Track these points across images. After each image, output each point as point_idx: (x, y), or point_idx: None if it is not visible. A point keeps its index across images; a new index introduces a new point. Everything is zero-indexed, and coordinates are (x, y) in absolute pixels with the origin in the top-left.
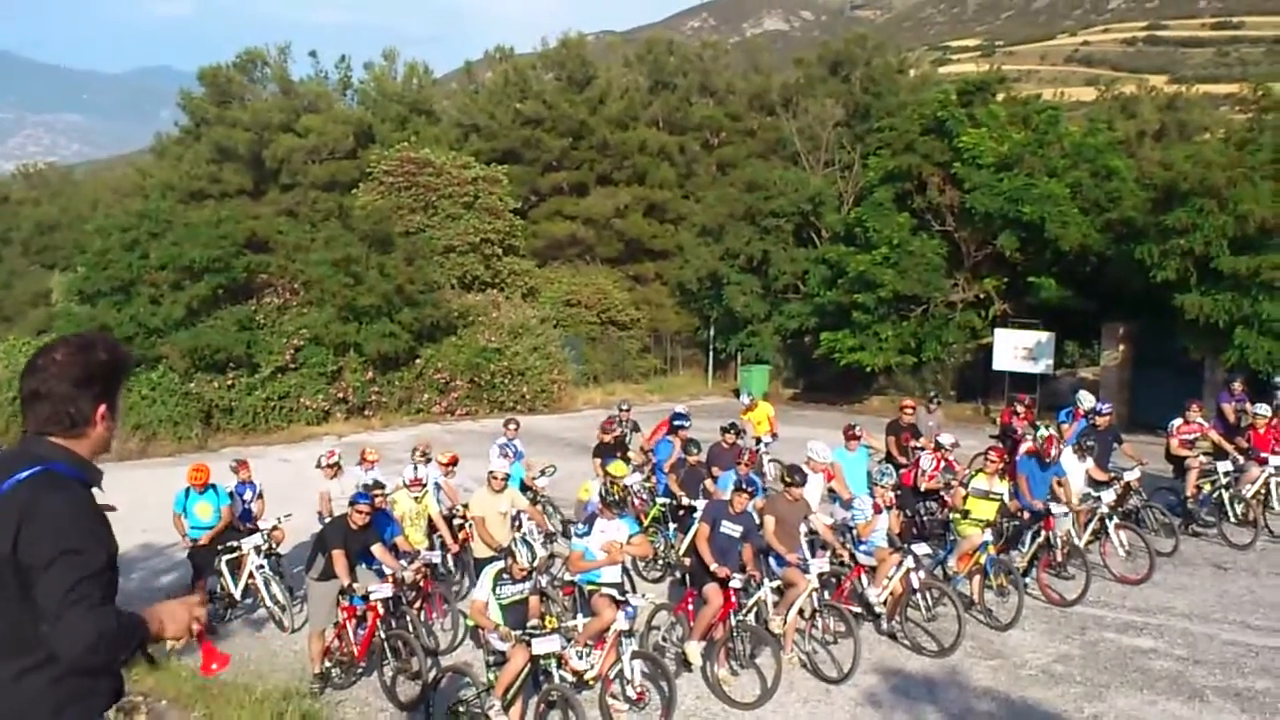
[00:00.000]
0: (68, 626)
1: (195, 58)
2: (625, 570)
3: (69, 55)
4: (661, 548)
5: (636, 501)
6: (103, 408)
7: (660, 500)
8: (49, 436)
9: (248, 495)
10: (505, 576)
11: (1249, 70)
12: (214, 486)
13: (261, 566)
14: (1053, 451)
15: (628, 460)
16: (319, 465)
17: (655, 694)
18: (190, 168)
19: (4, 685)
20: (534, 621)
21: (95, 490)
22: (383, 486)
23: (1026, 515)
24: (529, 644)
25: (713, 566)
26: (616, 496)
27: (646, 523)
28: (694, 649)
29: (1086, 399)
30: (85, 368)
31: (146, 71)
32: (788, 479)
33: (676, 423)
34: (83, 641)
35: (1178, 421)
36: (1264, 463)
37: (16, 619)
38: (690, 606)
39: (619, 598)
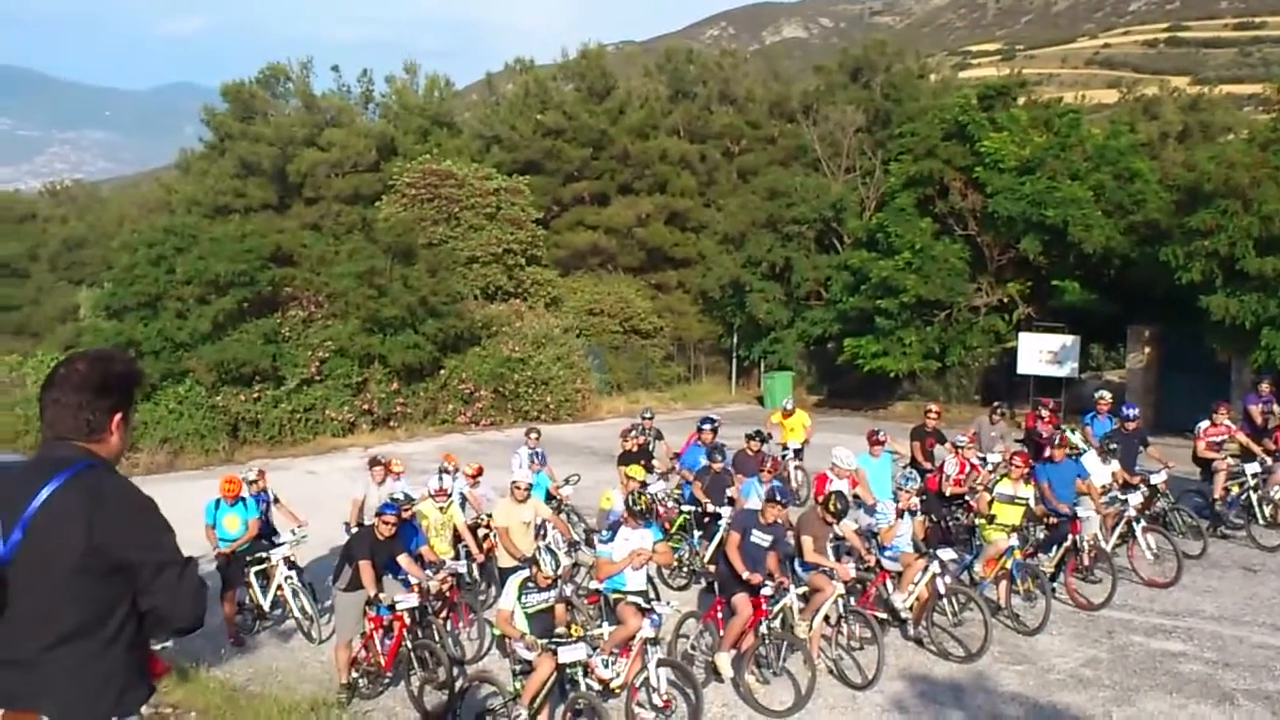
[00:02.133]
0: (185, 600)
1: (217, 74)
2: (650, 578)
3: (92, 72)
4: (686, 555)
5: (661, 510)
6: (118, 417)
7: (685, 508)
8: (69, 442)
9: (262, 506)
10: (530, 585)
11: (1272, 70)
12: (243, 500)
13: (290, 577)
14: (1058, 451)
15: (651, 469)
16: (374, 464)
17: (681, 702)
18: (215, 183)
19: (89, 662)
20: (560, 630)
21: None
22: (413, 500)
23: (1054, 520)
24: (555, 652)
25: (745, 574)
26: (642, 506)
27: (673, 530)
28: (724, 660)
29: (1105, 395)
30: (104, 377)
31: (169, 88)
32: (832, 507)
33: (703, 425)
34: (198, 606)
35: (1205, 424)
36: None
37: (94, 604)
38: (719, 614)
39: (644, 606)
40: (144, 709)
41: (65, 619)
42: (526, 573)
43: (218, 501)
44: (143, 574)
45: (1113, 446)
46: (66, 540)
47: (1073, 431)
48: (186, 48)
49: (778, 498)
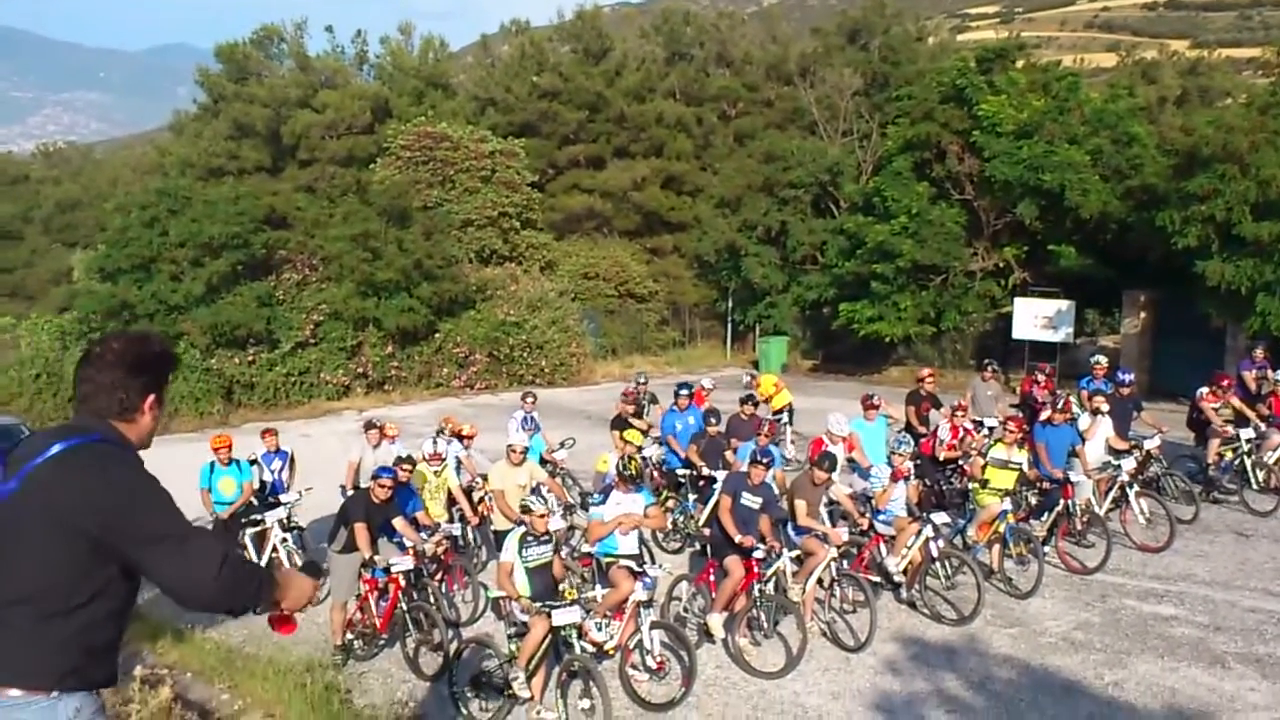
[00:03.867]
0: (195, 554)
1: (211, 34)
2: (643, 541)
3: (85, 33)
4: (681, 519)
5: (655, 474)
6: (151, 398)
7: (681, 471)
8: (99, 418)
9: (276, 465)
10: (530, 538)
11: (1272, 34)
12: (237, 461)
13: (285, 540)
14: (1060, 415)
15: (644, 432)
16: (369, 427)
17: (675, 663)
18: (209, 145)
19: (42, 627)
20: (562, 585)
21: None
22: (413, 461)
23: (1047, 485)
24: (550, 615)
25: (737, 538)
26: (632, 471)
27: (662, 496)
28: (716, 621)
29: (1101, 360)
30: (139, 357)
31: (163, 49)
32: (819, 464)
33: (680, 391)
34: (211, 565)
35: (1204, 390)
36: None
37: (62, 569)
38: (711, 577)
39: (636, 569)
40: (108, 690)
41: (29, 577)
42: (525, 527)
43: (212, 465)
44: (140, 550)
45: (1105, 407)
46: (53, 499)
47: (1068, 396)
48: (181, 8)
49: (760, 458)
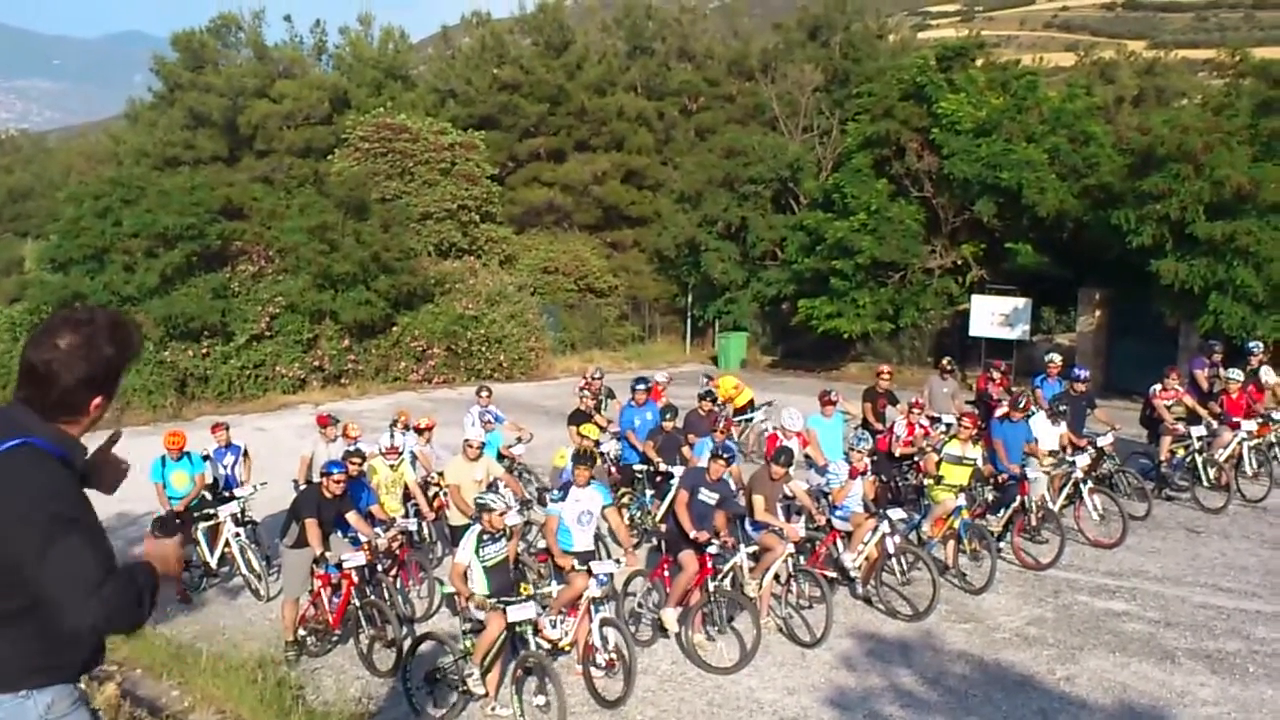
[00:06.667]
0: (76, 609)
1: (168, 22)
2: (599, 537)
3: (39, 20)
4: (638, 515)
5: (613, 470)
6: (99, 399)
7: (638, 467)
8: (27, 408)
9: (228, 460)
10: (487, 536)
11: (1227, 35)
12: (188, 455)
13: (238, 535)
14: (1018, 412)
15: (602, 428)
16: (329, 423)
17: (623, 661)
18: (164, 134)
19: None
20: (533, 577)
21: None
22: (363, 455)
23: (1003, 479)
24: (505, 612)
25: (692, 533)
26: (585, 451)
27: (617, 494)
28: (670, 616)
29: (1055, 358)
30: (91, 364)
31: (119, 37)
32: (776, 459)
33: (636, 386)
34: (90, 620)
35: (1157, 387)
36: (1236, 427)
37: None
38: (667, 573)
39: (591, 568)
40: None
41: None
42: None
43: (163, 459)
44: (39, 571)
45: (1062, 408)
46: None
47: (1023, 394)
48: None
49: (721, 453)
